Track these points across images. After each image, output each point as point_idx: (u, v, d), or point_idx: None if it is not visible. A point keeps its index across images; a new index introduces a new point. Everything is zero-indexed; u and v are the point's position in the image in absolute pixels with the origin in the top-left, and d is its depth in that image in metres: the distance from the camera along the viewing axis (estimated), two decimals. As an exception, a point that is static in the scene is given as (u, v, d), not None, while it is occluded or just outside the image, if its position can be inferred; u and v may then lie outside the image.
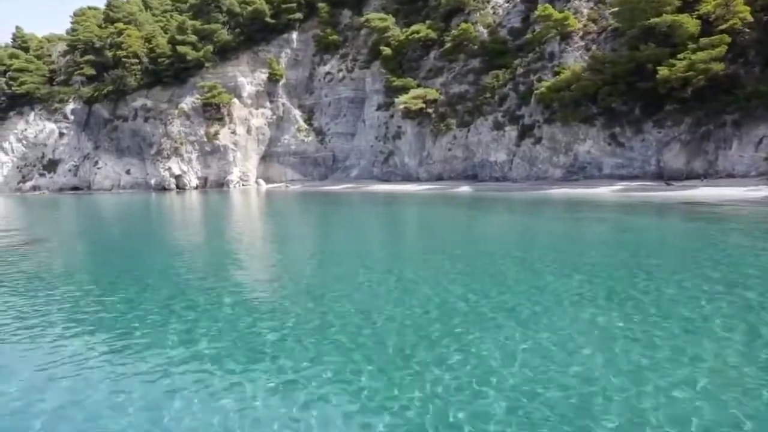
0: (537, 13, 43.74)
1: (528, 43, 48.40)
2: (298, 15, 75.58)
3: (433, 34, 58.35)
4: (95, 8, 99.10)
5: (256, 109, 76.00)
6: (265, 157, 75.86)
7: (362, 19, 65.00)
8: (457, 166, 52.17)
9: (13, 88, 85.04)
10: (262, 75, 76.55)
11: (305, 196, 49.49)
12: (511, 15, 55.46)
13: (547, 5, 43.89)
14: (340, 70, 72.16)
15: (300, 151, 72.32)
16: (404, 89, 58.21)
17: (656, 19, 35.90)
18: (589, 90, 38.37)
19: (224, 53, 76.38)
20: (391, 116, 60.33)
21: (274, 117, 75.38)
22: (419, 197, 41.25)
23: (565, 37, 43.71)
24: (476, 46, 55.09)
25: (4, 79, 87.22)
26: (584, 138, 40.29)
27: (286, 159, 73.38)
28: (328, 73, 73.51)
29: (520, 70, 46.73)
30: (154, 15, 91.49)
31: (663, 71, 34.72)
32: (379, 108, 62.39)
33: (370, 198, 43.02)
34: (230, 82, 75.43)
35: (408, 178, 56.83)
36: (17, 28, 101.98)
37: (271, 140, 75.30)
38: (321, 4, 74.79)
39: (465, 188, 44.89)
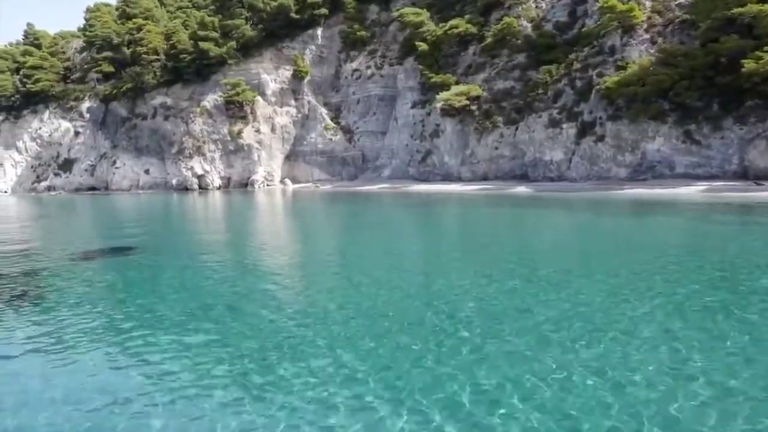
0: (598, 4, 41.16)
1: (583, 37, 45.85)
2: (323, 11, 72.81)
3: (473, 29, 55.70)
4: (107, 4, 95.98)
5: (281, 107, 73.16)
6: (290, 157, 73.06)
7: (395, 13, 62.26)
8: (504, 165, 49.59)
9: (27, 86, 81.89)
10: (286, 72, 73.71)
11: (341, 197, 46.64)
12: (556, 9, 52.91)
13: (610, -4, 41.31)
14: (368, 67, 69.41)
15: (327, 150, 69.53)
16: (443, 86, 55.59)
17: (740, 9, 33.42)
18: (664, 85, 35.83)
19: (247, 50, 73.50)
20: (428, 114, 57.71)
21: (299, 115, 72.57)
22: (472, 198, 38.59)
23: (628, 30, 41.16)
24: (520, 41, 52.62)
25: (18, 77, 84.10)
26: (654, 135, 37.77)
27: (312, 158, 70.57)
28: (355, 70, 70.74)
29: (576, 65, 44.16)
30: (169, 11, 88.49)
31: (749, 65, 32.24)
32: (414, 105, 59.73)
33: (416, 199, 40.29)
34: (253, 79, 72.56)
35: (448, 178, 54.23)
36: (28, 25, 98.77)
37: (296, 139, 72.52)
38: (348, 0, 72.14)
39: (521, 188, 42.26)
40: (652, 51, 39.76)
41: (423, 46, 58.10)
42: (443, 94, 53.27)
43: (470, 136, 51.77)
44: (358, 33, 70.03)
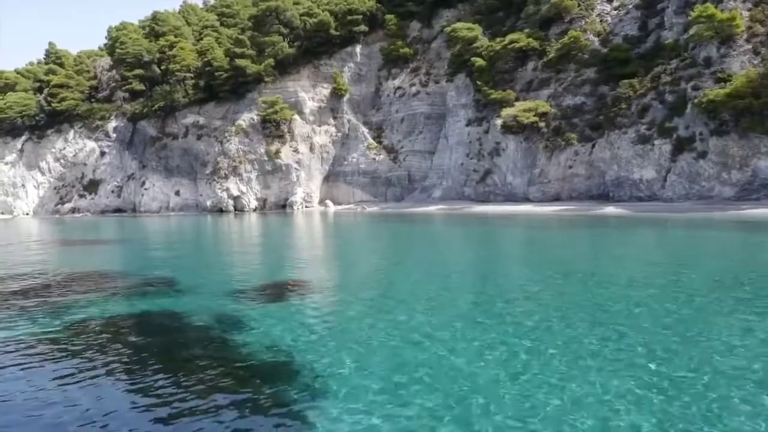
0: (695, 13, 38.02)
1: (665, 49, 42.76)
2: (363, 27, 70.03)
3: (534, 43, 52.69)
4: (131, 23, 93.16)
5: (319, 126, 69.73)
6: (329, 177, 69.36)
7: (447, 28, 59.25)
8: (579, 185, 46.02)
9: (52, 105, 78.29)
10: (324, 90, 70.52)
11: (395, 219, 42.53)
12: (624, 23, 50.04)
13: (708, 5, 38.27)
14: (412, 85, 66.27)
15: (370, 171, 65.85)
16: (502, 103, 52.42)
17: None
18: (785, 96, 32.55)
19: (283, 67, 70.36)
20: (486, 132, 54.31)
21: (339, 134, 69.11)
22: (556, 220, 34.83)
23: (726, 40, 38.04)
24: (587, 56, 49.62)
25: (42, 96, 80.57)
26: (767, 151, 34.38)
27: (354, 179, 66.83)
28: (398, 87, 67.58)
29: (664, 78, 40.91)
30: (194, 30, 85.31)
31: None
32: (469, 123, 56.32)
33: (487, 222, 36.46)
34: (290, 97, 69.26)
35: (511, 198, 50.56)
36: (50, 44, 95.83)
37: (335, 159, 68.93)
38: (389, 16, 69.39)
39: (610, 209, 38.59)
40: (755, 62, 36.57)
41: (479, 62, 54.96)
42: (508, 111, 49.97)
43: (539, 154, 48.27)
44: (401, 50, 67.04)
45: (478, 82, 54.41)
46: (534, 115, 48.25)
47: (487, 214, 44.89)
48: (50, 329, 9.66)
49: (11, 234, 42.13)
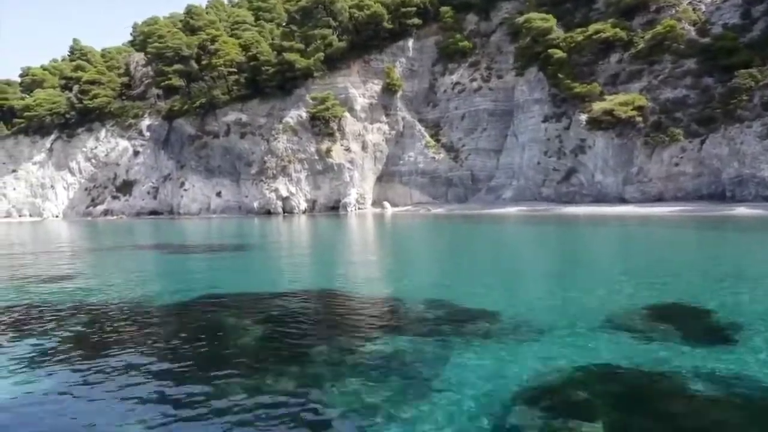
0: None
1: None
2: (416, 20, 65.73)
3: (621, 33, 48.64)
4: (159, 18, 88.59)
5: (371, 123, 65.30)
6: (382, 177, 64.93)
7: (519, 19, 55.03)
8: (686, 183, 41.91)
9: (84, 102, 73.43)
10: (375, 86, 66.07)
11: (478, 222, 38.20)
12: (722, 11, 46.15)
13: None
14: (473, 80, 62.02)
15: (429, 171, 61.45)
16: (585, 97, 48.38)
17: None
18: None
19: (331, 62, 65.96)
20: (566, 128, 50.20)
21: (393, 132, 64.69)
22: (680, 222, 30.54)
23: None
24: (682, 46, 45.63)
25: (72, 94, 75.70)
26: None
27: (412, 179, 62.41)
28: (456, 83, 63.31)
29: (794, 67, 36.98)
30: (224, 27, 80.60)
31: None
32: (546, 119, 52.15)
33: (596, 223, 32.14)
34: (340, 93, 64.80)
35: (601, 199, 46.36)
36: (74, 40, 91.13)
37: (388, 158, 64.51)
38: (444, 8, 65.13)
39: (742, 210, 34.46)
40: None
41: (558, 54, 50.83)
42: (600, 105, 45.87)
43: (636, 151, 44.13)
44: (460, 43, 62.75)
45: (560, 75, 50.18)
46: (631, 109, 44.11)
47: (578, 215, 40.64)
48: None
49: (82, 239, 37.34)
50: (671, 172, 42.24)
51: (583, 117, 47.93)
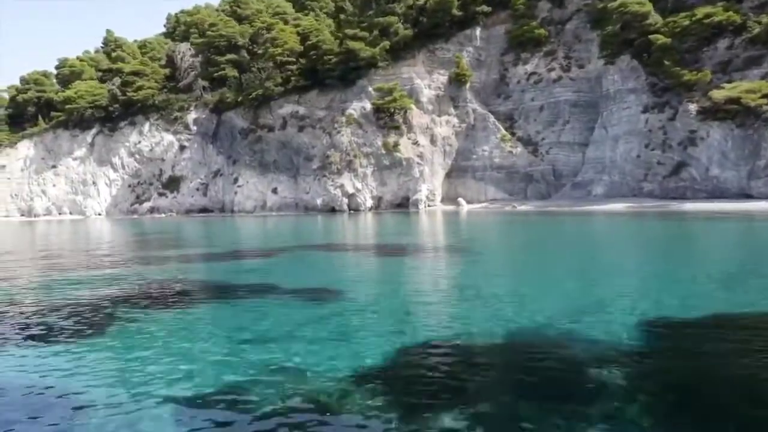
0: None
1: None
2: (485, 8, 61.70)
3: (735, 17, 44.86)
4: (202, 7, 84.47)
5: (438, 116, 61.21)
6: (451, 173, 60.88)
7: (614, 4, 51.11)
8: (826, 177, 38.24)
9: (127, 94, 68.91)
10: (441, 77, 61.98)
11: (587, 221, 34.39)
12: None
13: None
14: (551, 70, 58.07)
15: (506, 166, 57.45)
16: (693, 86, 44.64)
17: None
18: None
19: (395, 52, 61.88)
20: (670, 119, 46.40)
21: (463, 125, 60.61)
22: None
23: None
24: (807, 29, 41.95)
25: (115, 85, 71.18)
26: None
27: (486, 174, 58.39)
28: (532, 73, 59.33)
29: None
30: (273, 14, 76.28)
31: None
32: (646, 110, 48.32)
33: (741, 220, 28.37)
34: (405, 84, 60.72)
35: (718, 194, 42.55)
36: (108, 31, 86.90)
37: (458, 152, 60.44)
38: (516, -6, 61.16)
39: None
40: None
41: (661, 39, 46.99)
42: (720, 93, 42.02)
43: (764, 143, 40.35)
44: (535, 31, 58.79)
45: (666, 62, 46.32)
46: (759, 97, 40.33)
47: (698, 212, 36.67)
48: None
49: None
50: (809, 165, 38.50)
51: (693, 107, 44.13)
